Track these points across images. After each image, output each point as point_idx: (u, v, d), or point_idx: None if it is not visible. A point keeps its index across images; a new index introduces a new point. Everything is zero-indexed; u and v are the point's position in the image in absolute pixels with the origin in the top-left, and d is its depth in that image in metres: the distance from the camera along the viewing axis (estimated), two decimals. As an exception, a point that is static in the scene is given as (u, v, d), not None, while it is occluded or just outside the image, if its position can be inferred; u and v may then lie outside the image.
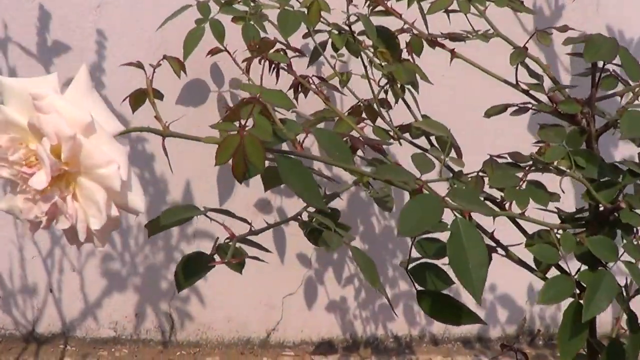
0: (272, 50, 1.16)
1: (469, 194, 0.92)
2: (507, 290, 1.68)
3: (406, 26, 1.20)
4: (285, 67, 1.19)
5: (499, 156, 1.08)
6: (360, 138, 1.09)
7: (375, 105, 1.21)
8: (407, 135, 1.20)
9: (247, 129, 0.78)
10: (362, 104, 1.27)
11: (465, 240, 0.86)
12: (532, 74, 1.13)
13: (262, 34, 1.21)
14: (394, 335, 1.71)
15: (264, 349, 1.67)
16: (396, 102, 1.25)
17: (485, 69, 1.14)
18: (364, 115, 1.27)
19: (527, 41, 1.11)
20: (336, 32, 1.25)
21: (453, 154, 1.12)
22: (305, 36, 1.32)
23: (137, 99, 1.18)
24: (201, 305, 1.65)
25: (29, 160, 0.73)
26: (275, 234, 1.61)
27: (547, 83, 1.13)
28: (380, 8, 1.23)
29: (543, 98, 1.13)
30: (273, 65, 1.18)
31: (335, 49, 1.26)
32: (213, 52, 1.31)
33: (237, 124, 0.79)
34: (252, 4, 1.24)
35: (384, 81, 1.24)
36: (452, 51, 1.16)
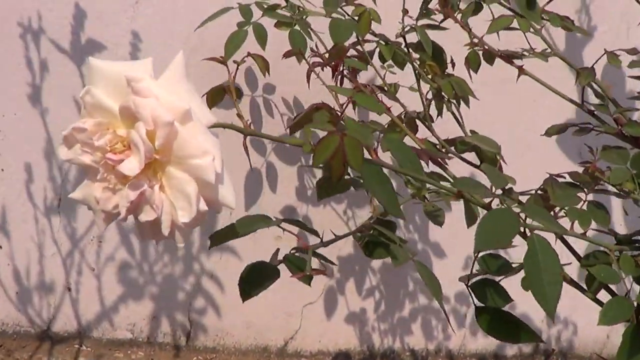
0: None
1: (542, 210, 0.87)
2: (525, 310, 1.63)
3: (475, 40, 1.15)
4: (348, 75, 1.14)
5: (558, 175, 1.04)
6: (423, 150, 1.05)
7: (424, 118, 1.17)
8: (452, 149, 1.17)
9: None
10: (404, 116, 1.23)
11: (541, 257, 0.83)
12: (597, 94, 1.09)
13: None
14: (410, 349, 1.66)
15: (281, 357, 1.61)
16: (439, 115, 1.21)
17: (553, 88, 1.10)
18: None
19: (596, 62, 1.07)
20: (383, 42, 1.22)
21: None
22: (353, 45, 1.27)
23: (215, 96, 1.12)
24: (220, 311, 1.59)
25: (114, 147, 0.67)
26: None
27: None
28: (428, 22, 1.20)
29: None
30: (337, 72, 1.13)
31: (383, 60, 1.22)
32: (288, 54, 1.25)
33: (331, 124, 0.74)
34: (297, 10, 1.20)
35: (430, 95, 1.20)
36: (520, 68, 1.12)
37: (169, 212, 0.68)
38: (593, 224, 1.01)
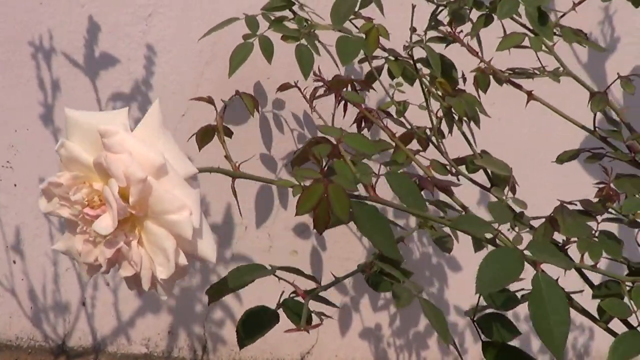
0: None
1: (548, 246, 0.84)
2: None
3: (482, 65, 1.11)
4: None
5: (569, 203, 1.00)
6: (429, 178, 1.01)
7: (434, 138, 1.13)
8: (462, 168, 1.12)
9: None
10: (415, 131, 1.18)
11: (547, 297, 0.79)
12: (610, 120, 1.04)
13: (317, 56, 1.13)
14: (427, 364, 1.63)
15: (297, 372, 1.59)
16: (449, 132, 1.16)
17: (562, 113, 1.05)
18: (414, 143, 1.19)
19: (609, 87, 1.02)
20: (393, 58, 1.17)
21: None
22: (361, 61, 1.24)
23: (205, 136, 1.09)
24: (235, 326, 1.56)
25: (92, 201, 0.65)
26: (313, 258, 1.53)
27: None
28: (437, 34, 1.15)
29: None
30: (340, 98, 1.10)
31: (392, 77, 1.17)
32: (283, 88, 1.21)
33: (316, 170, 0.71)
34: (305, 24, 1.16)
35: (440, 113, 1.15)
36: (529, 93, 1.07)
37: (149, 267, 0.65)
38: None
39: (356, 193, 0.79)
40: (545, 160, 1.50)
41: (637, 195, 0.95)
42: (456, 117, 1.14)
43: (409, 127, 1.16)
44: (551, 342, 0.79)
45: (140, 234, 0.65)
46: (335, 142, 0.81)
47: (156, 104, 0.66)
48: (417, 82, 1.16)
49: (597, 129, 1.03)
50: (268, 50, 1.16)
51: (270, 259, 1.50)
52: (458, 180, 1.12)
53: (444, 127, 1.16)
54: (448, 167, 1.12)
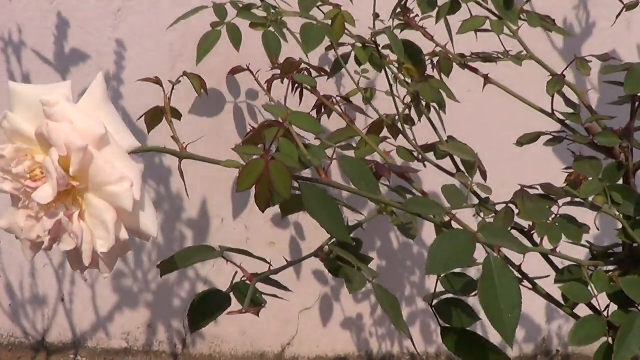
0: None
1: (501, 230, 0.84)
2: (526, 309, 1.58)
3: (438, 49, 1.11)
4: (309, 87, 1.11)
5: (530, 187, 1.00)
6: (386, 165, 1.01)
7: (399, 124, 1.14)
8: (431, 154, 1.12)
9: (271, 153, 0.71)
10: (384, 120, 1.18)
11: (498, 281, 0.79)
12: (568, 102, 1.05)
13: (284, 44, 1.13)
14: (410, 353, 1.63)
15: (279, 364, 1.59)
16: (419, 119, 1.17)
17: (519, 96, 1.06)
18: (385, 132, 1.19)
19: (565, 69, 1.03)
20: (360, 45, 1.18)
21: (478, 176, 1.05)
22: (328, 49, 1.24)
23: (154, 117, 1.10)
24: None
25: (33, 174, 0.65)
26: (292, 248, 1.54)
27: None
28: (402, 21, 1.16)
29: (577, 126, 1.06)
30: (296, 85, 1.10)
31: (359, 63, 1.18)
32: (234, 71, 1.22)
33: (260, 147, 0.71)
34: (272, 11, 1.17)
35: (409, 99, 1.16)
36: (485, 77, 1.08)
37: (90, 241, 0.65)
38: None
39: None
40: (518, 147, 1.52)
41: (596, 179, 0.95)
42: (423, 104, 1.14)
43: (367, 113, 1.17)
44: (502, 328, 0.78)
45: (82, 207, 0.66)
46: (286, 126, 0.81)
47: (100, 76, 0.67)
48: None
49: (554, 111, 1.04)
50: (236, 39, 1.16)
51: (247, 249, 1.50)
52: (425, 166, 1.12)
53: (414, 114, 1.16)
54: (415, 154, 1.12)
